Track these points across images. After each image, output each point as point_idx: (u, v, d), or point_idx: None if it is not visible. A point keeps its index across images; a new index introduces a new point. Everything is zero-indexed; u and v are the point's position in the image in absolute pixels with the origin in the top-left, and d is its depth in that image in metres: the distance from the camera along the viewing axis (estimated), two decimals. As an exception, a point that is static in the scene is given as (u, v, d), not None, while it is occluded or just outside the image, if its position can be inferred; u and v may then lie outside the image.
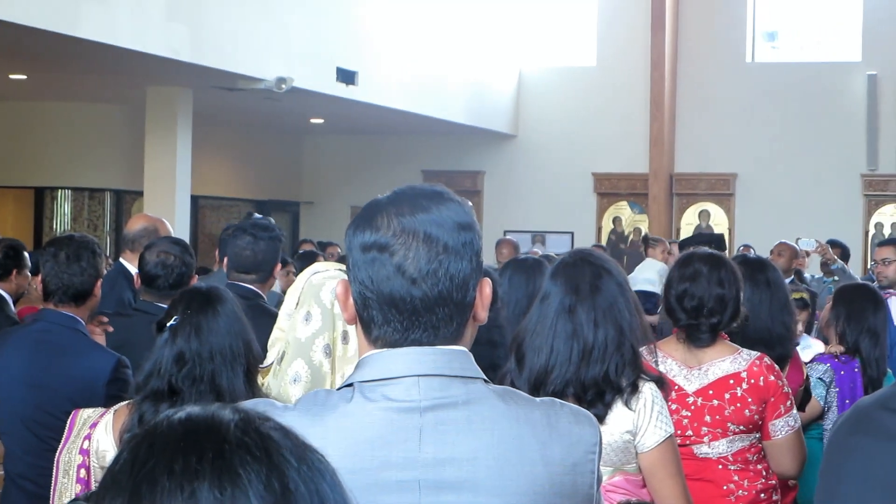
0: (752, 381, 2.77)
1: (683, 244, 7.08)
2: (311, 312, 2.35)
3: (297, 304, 2.39)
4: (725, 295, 2.75)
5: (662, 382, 2.29)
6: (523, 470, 1.23)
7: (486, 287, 1.25)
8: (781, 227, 11.38)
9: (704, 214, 12.87)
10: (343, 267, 2.21)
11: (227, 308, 2.38)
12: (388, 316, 1.16)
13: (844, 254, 7.53)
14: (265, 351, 2.44)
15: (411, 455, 1.20)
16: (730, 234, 12.17)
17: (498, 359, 2.78)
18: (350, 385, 1.22)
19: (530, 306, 2.31)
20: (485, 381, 1.24)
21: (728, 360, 2.79)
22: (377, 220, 1.20)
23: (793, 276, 6.66)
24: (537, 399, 1.28)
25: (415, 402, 1.20)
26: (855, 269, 8.78)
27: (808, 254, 7.09)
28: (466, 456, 1.22)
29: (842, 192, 12.25)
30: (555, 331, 2.20)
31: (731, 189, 12.75)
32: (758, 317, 3.07)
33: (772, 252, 7.00)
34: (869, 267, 7.95)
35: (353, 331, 2.20)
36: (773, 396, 2.76)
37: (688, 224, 12.75)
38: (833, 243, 7.30)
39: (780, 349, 3.09)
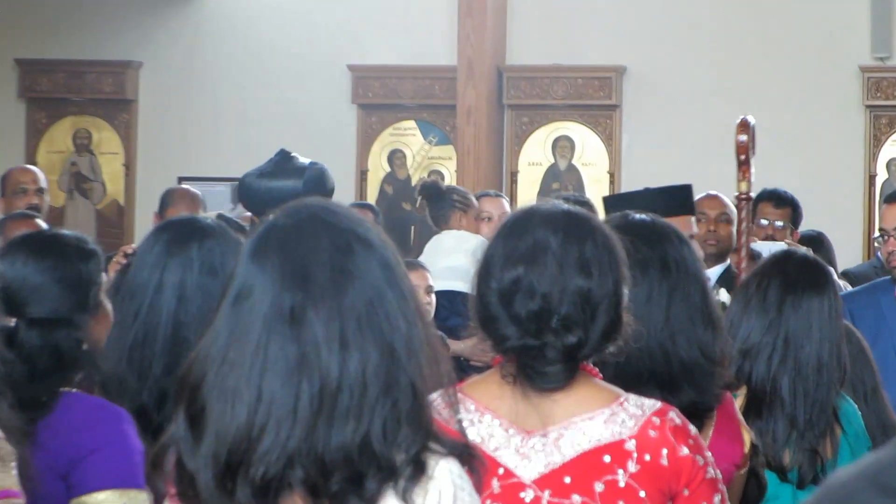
0: (647, 457, 2.22)
1: (614, 204, 5.02)
2: None
3: None
4: (592, 291, 2.22)
5: (471, 458, 1.78)
6: None
7: None
8: (705, 168, 8.67)
9: (563, 145, 10.09)
10: None
11: None
12: None
13: (820, 247, 6.24)
14: None
15: None
16: (612, 180, 10.02)
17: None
18: None
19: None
20: None
21: (600, 418, 2.24)
22: None
23: (727, 265, 5.36)
24: None
25: None
26: (852, 247, 8.80)
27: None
28: None
29: (823, 100, 9.57)
30: (264, 358, 1.68)
31: (614, 95, 9.93)
32: (653, 332, 2.48)
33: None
34: (874, 241, 5.58)
35: None
36: (687, 486, 2.22)
37: (532, 164, 10.10)
38: (808, 239, 6.28)
39: (694, 393, 2.47)
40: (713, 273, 5.45)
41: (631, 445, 2.29)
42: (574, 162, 10.06)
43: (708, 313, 2.64)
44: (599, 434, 2.28)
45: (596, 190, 9.62)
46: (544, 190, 9.59)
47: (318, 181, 4.05)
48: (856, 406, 3.14)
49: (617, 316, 2.28)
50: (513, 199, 8.89)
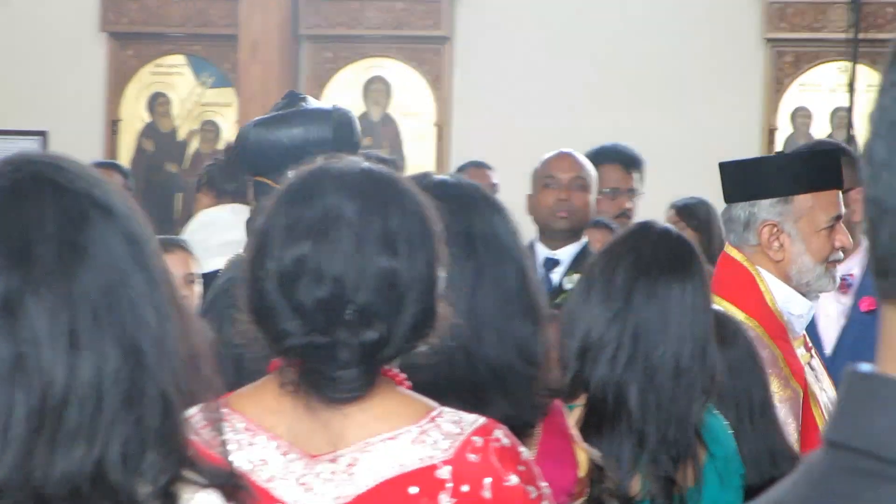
0: (465, 488, 2.31)
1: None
2: None
3: None
4: (399, 273, 2.29)
5: (238, 491, 1.87)
6: None
7: None
8: (558, 119, 8.93)
9: (377, 88, 9.93)
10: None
11: None
12: None
13: (703, 220, 6.55)
14: None
15: None
16: (439, 135, 9.71)
17: None
18: None
19: None
20: None
21: (405, 438, 2.33)
22: None
23: (583, 243, 5.61)
24: None
25: None
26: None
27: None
28: None
29: (711, 34, 9.48)
30: None
31: (444, 24, 9.75)
32: (454, 328, 2.60)
33: (534, 177, 5.88)
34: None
35: None
36: None
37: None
38: (687, 209, 6.58)
39: (507, 405, 2.58)
40: (565, 254, 5.52)
41: (445, 473, 2.32)
42: (391, 111, 9.93)
43: (528, 302, 2.67)
44: (404, 458, 2.32)
45: (419, 147, 9.66)
46: (353, 147, 9.19)
47: (349, 128, 4.12)
48: (725, 422, 3.21)
49: (430, 305, 2.33)
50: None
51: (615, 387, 3.14)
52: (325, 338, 2.27)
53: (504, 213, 2.77)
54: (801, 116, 9.46)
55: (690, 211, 6.63)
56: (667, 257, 3.23)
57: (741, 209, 3.69)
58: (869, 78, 9.27)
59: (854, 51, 9.01)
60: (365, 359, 2.28)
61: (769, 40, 9.44)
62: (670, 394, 3.13)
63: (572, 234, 5.41)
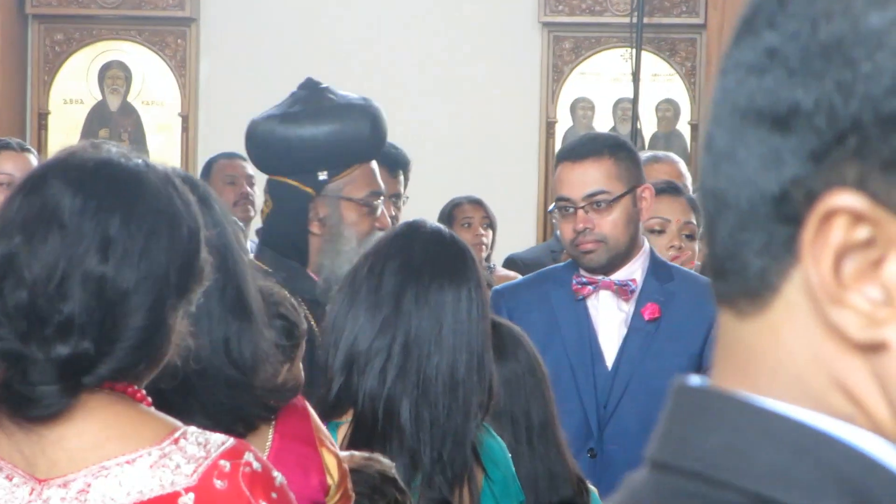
0: None
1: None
2: None
3: None
4: (116, 280, 2.26)
5: None
6: None
7: None
8: None
9: (115, 75, 9.72)
10: None
11: None
12: None
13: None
14: None
15: None
16: (185, 125, 9.54)
17: None
18: None
19: None
20: None
21: (143, 462, 2.31)
22: None
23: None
24: None
25: None
26: (524, 223, 8.94)
27: None
28: None
29: (486, 17, 9.34)
30: None
31: (188, 5, 9.46)
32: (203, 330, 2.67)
33: None
34: (551, 214, 5.64)
35: None
36: None
37: (70, 101, 9.67)
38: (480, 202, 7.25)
39: (205, 419, 2.55)
40: None
41: (188, 501, 2.30)
42: (131, 99, 9.71)
43: (239, 296, 2.68)
44: (143, 484, 2.31)
45: (163, 139, 9.53)
46: (88, 139, 8.72)
47: (384, 123, 4.12)
48: (502, 442, 3.21)
49: (156, 322, 2.30)
50: (40, 150, 8.81)
51: (385, 401, 3.13)
52: (21, 347, 2.23)
53: (208, 191, 2.79)
54: (581, 108, 9.48)
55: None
56: (439, 260, 3.22)
57: None
58: (654, 66, 9.36)
59: (638, 37, 9.04)
60: (66, 376, 2.23)
61: (546, 24, 9.42)
62: (446, 409, 3.12)
63: None
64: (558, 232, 5.41)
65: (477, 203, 6.74)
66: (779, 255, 0.81)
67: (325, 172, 4.05)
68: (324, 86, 4.27)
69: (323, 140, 3.99)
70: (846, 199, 0.77)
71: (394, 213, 6.03)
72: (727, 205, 0.83)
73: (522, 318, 4.18)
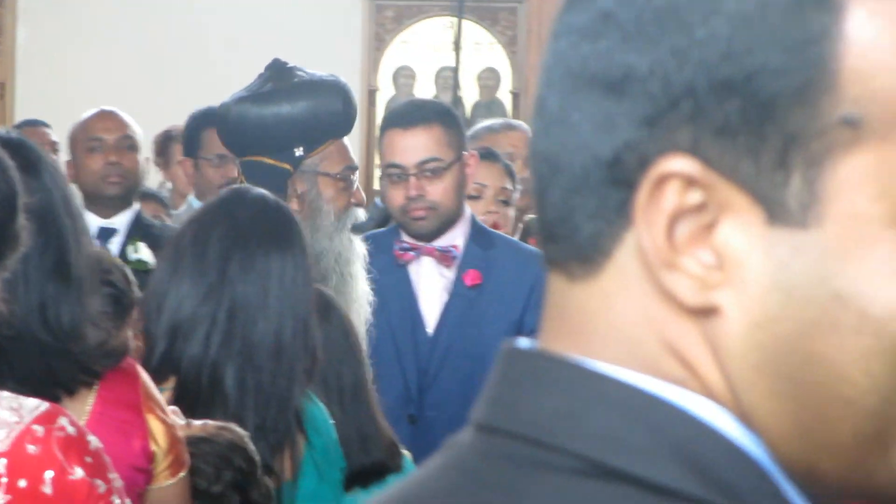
0: (23, 482, 2.28)
1: None
2: None
3: None
4: None
5: None
6: None
7: None
8: (142, 76, 8.91)
9: None
10: None
11: None
12: None
13: None
14: None
15: None
16: (2, 92, 9.36)
17: None
18: None
19: None
20: None
21: None
22: None
23: (136, 210, 5.78)
24: None
25: None
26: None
27: None
28: None
29: None
30: None
31: None
32: None
33: (74, 140, 5.81)
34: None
35: None
36: None
37: None
38: None
39: (12, 382, 2.57)
40: (120, 222, 5.42)
41: (0, 466, 2.31)
42: None
43: (60, 261, 2.66)
44: None
45: None
46: None
47: (354, 99, 4.13)
48: (325, 410, 3.20)
49: None
50: None
51: (210, 367, 3.09)
52: None
53: (44, 175, 2.69)
54: (403, 76, 9.42)
55: None
56: (265, 227, 3.19)
57: None
58: (476, 35, 9.28)
59: (460, 6, 8.79)
60: None
61: None
62: (270, 375, 3.10)
63: (124, 201, 5.29)
64: (378, 199, 5.38)
65: None
66: (611, 220, 0.80)
67: (302, 149, 4.03)
68: (290, 65, 4.24)
69: (299, 116, 3.98)
70: (679, 163, 0.77)
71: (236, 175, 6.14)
72: (559, 168, 0.82)
73: None
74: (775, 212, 0.78)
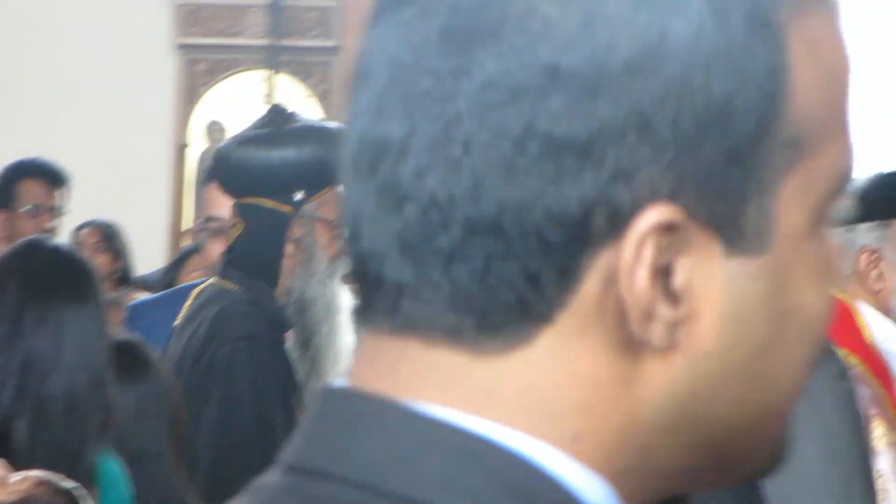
0: None
1: None
2: None
3: None
4: None
5: None
6: None
7: None
8: None
9: None
10: None
11: None
12: None
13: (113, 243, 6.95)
14: None
15: None
16: None
17: None
18: None
19: None
20: None
21: None
22: None
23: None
24: None
25: None
26: (154, 246, 8.77)
27: None
28: None
29: (122, 39, 9.28)
30: None
31: None
32: None
33: None
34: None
35: None
36: None
37: None
38: (99, 231, 6.93)
39: None
40: None
41: None
42: None
43: None
44: None
45: None
46: None
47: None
48: (121, 465, 3.14)
49: None
50: None
51: (3, 422, 3.04)
52: None
53: None
54: (216, 131, 9.34)
55: (112, 232, 6.64)
56: (61, 279, 3.16)
57: (835, 234, 3.52)
58: (291, 89, 9.31)
59: (274, 59, 9.08)
60: None
61: (181, 46, 9.33)
62: (63, 429, 3.05)
63: None
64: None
65: (96, 227, 6.63)
66: (552, 281, 0.76)
67: (303, 193, 3.98)
68: (290, 112, 4.20)
69: (305, 160, 3.94)
70: (664, 212, 0.74)
71: (51, 226, 5.84)
72: (477, 232, 0.77)
73: (157, 335, 4.09)
74: (733, 243, 0.77)
